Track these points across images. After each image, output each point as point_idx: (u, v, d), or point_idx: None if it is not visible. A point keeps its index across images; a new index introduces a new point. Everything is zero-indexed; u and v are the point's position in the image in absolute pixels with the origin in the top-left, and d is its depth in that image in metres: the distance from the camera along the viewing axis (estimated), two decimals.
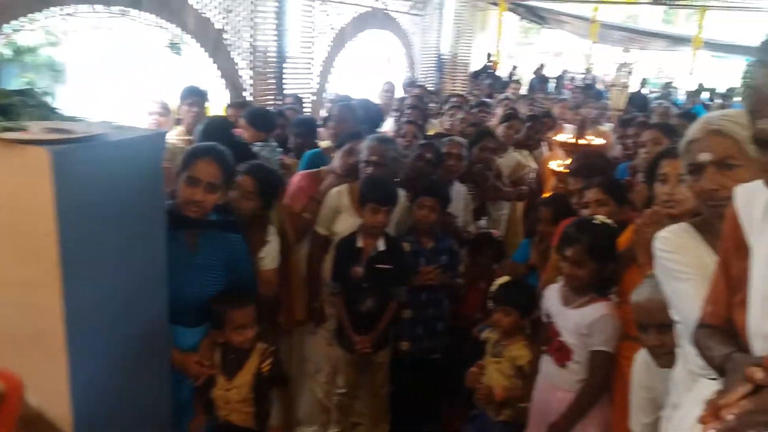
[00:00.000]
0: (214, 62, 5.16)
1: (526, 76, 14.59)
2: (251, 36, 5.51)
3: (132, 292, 1.94)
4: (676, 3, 8.23)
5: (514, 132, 5.05)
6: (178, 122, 4.16)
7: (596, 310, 2.23)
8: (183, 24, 4.77)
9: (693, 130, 1.59)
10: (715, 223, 1.49)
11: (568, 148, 5.05)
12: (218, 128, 3.24)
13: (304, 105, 5.55)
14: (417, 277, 3.09)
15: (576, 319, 2.28)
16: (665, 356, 1.78)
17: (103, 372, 1.83)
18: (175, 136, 3.87)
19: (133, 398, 2.00)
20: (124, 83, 7.03)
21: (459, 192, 3.76)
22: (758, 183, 1.15)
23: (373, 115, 5.01)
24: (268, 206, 2.73)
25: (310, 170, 3.51)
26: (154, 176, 1.99)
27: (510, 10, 9.59)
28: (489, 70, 10.93)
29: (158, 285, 2.10)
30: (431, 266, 3.12)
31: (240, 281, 2.40)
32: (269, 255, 2.67)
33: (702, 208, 1.60)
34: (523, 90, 10.63)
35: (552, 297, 2.45)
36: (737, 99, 10.66)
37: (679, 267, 1.54)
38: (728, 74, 14.72)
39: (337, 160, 3.36)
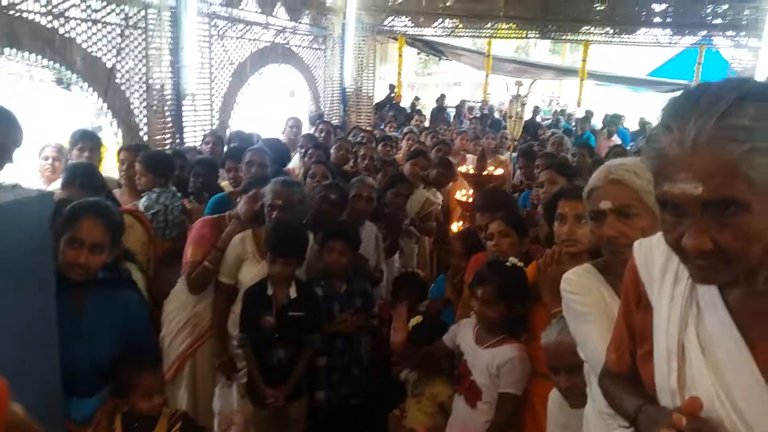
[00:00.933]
0: (105, 101, 4.88)
1: (428, 104, 15.06)
2: (145, 74, 5.27)
3: (20, 361, 1.77)
4: (562, 38, 8.78)
5: (420, 169, 5.13)
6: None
7: (506, 352, 2.26)
8: (70, 64, 4.48)
9: (595, 179, 1.66)
10: (617, 266, 1.55)
11: (471, 179, 5.21)
12: (84, 175, 3.08)
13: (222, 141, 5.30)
14: (331, 324, 3.02)
15: (486, 360, 2.30)
16: (577, 397, 1.80)
17: None
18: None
19: None
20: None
21: (369, 232, 3.73)
22: (657, 237, 1.18)
23: (281, 155, 4.93)
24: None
25: (212, 216, 3.35)
26: (40, 239, 1.88)
27: (408, 44, 9.86)
28: (392, 102, 11.17)
29: (49, 353, 1.94)
30: (346, 313, 3.06)
31: (138, 343, 2.22)
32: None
33: (604, 252, 1.66)
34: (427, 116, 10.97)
35: (465, 334, 2.46)
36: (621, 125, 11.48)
37: (583, 308, 1.60)
38: (611, 100, 15.94)
39: (241, 206, 3.24)
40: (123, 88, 5.11)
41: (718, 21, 7.91)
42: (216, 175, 4.19)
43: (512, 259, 2.42)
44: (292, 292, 2.86)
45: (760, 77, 7.77)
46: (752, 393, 0.96)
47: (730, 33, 7.92)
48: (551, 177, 3.41)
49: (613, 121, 11.56)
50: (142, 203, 3.45)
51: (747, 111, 0.86)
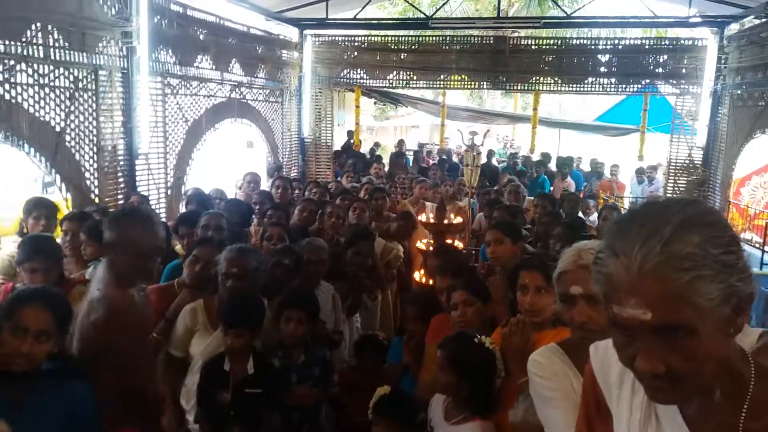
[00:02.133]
0: (53, 166, 4.75)
1: (389, 146, 15.23)
2: (96, 135, 5.17)
3: None
4: (513, 88, 9.06)
5: (360, 212, 5.14)
6: (22, 234, 3.74)
7: (471, 430, 2.21)
8: (15, 129, 4.35)
9: (565, 262, 1.68)
10: (585, 348, 1.55)
11: (431, 228, 5.24)
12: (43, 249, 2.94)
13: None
14: (289, 398, 2.92)
15: None
16: None
17: None
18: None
19: None
20: None
21: (326, 292, 3.67)
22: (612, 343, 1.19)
23: (245, 217, 4.86)
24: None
25: (161, 284, 3.24)
26: None
27: (364, 94, 10.00)
28: (351, 149, 11.23)
29: None
30: (304, 384, 2.98)
31: None
32: None
33: (573, 334, 1.67)
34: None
35: (436, 408, 2.43)
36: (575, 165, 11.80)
37: (550, 393, 1.60)
38: (564, 142, 16.45)
39: (185, 271, 3.15)
40: (73, 150, 4.99)
41: (660, 70, 8.29)
42: (169, 240, 4.09)
43: (483, 339, 2.39)
44: (250, 367, 2.77)
45: (702, 121, 8.14)
46: None
47: (672, 81, 8.30)
48: (497, 237, 3.45)
49: (566, 163, 11.90)
50: (89, 273, 3.31)
51: (691, 238, 0.88)
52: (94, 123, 5.17)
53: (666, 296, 0.87)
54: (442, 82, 8.90)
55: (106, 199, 5.31)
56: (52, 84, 4.73)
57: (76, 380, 2.15)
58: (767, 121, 6.50)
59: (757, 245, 10.17)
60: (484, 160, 10.79)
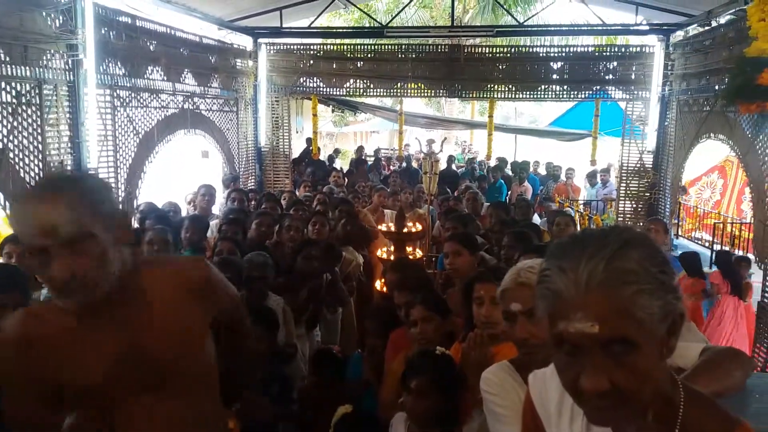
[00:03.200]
0: None
1: (349, 152, 15.19)
2: (41, 151, 4.98)
3: None
4: (469, 96, 9.16)
5: (320, 227, 5.10)
6: None
7: None
8: None
9: (506, 280, 1.74)
10: (532, 364, 1.57)
11: (391, 237, 5.24)
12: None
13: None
14: (245, 412, 2.85)
15: None
16: None
17: None
18: None
19: None
20: None
21: (275, 306, 3.62)
22: (551, 371, 1.20)
23: (202, 228, 4.77)
24: None
25: None
26: None
27: (321, 102, 9.95)
28: (310, 157, 11.15)
29: None
30: (259, 399, 2.91)
31: None
32: None
33: (518, 352, 1.69)
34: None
35: (398, 427, 2.40)
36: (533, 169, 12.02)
37: (500, 410, 1.63)
38: (520, 148, 16.75)
39: None
40: (17, 167, 4.80)
41: (610, 76, 8.50)
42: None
43: (440, 349, 2.40)
44: None
45: (651, 125, 8.39)
46: None
47: (622, 87, 8.53)
48: (455, 249, 3.48)
49: (523, 168, 12.12)
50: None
51: (632, 255, 0.94)
52: (39, 138, 4.98)
53: (611, 309, 0.92)
54: (398, 90, 8.93)
55: None
56: None
57: None
58: (712, 125, 6.72)
59: (707, 244, 10.56)
60: (443, 166, 10.92)
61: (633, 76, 8.39)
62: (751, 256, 6.93)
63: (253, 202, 6.54)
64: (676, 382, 1.05)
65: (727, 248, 9.36)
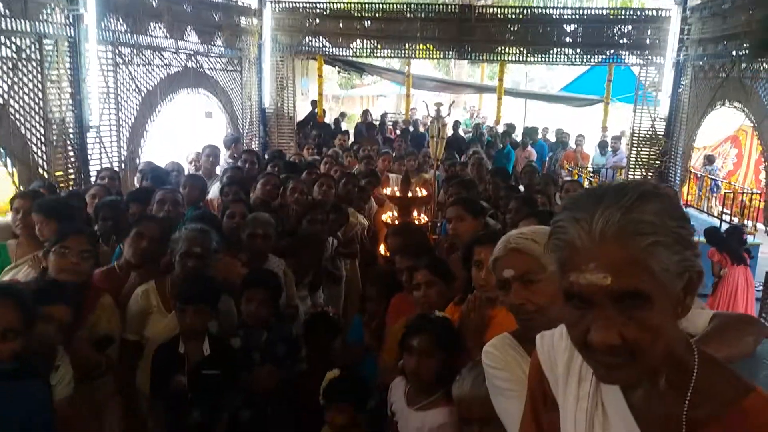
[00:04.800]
0: None
1: (355, 116, 14.99)
2: (42, 108, 4.90)
3: None
4: (479, 59, 8.97)
5: (327, 189, 5.03)
6: None
7: (437, 417, 2.16)
8: None
9: (497, 248, 1.68)
10: (532, 333, 1.52)
11: (396, 201, 5.17)
12: None
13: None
14: (251, 381, 2.85)
15: (417, 423, 2.20)
16: None
17: None
18: None
19: None
20: None
21: (275, 268, 3.56)
22: (558, 333, 1.17)
23: (201, 186, 4.71)
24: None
25: (101, 269, 3.08)
26: None
27: (327, 63, 9.77)
28: (315, 120, 11.00)
29: None
30: (267, 364, 2.91)
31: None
32: (61, 381, 2.26)
33: (516, 321, 1.64)
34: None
35: (397, 393, 2.37)
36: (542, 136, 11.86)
37: (504, 384, 1.57)
38: (529, 114, 16.53)
39: (127, 249, 3.03)
40: (18, 123, 4.73)
41: (624, 41, 8.29)
42: (124, 215, 3.92)
43: (438, 313, 2.36)
44: (206, 349, 2.69)
45: (665, 92, 8.21)
46: None
47: (636, 51, 8.32)
48: (459, 213, 3.40)
49: (527, 133, 11.93)
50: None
51: (650, 207, 0.90)
52: (40, 95, 4.90)
53: (626, 261, 0.88)
54: (406, 51, 8.74)
55: (56, 174, 5.07)
56: None
57: (33, 380, 2.07)
58: (728, 92, 6.56)
59: (717, 214, 10.46)
60: (450, 131, 10.76)
61: (648, 41, 8.17)
62: (761, 225, 6.83)
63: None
64: (690, 345, 1.01)
65: (736, 220, 9.25)
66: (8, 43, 4.58)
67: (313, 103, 11.72)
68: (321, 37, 8.90)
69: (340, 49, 8.93)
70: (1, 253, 3.23)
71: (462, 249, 2.59)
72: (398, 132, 12.21)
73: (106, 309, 2.70)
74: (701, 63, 7.40)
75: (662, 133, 8.35)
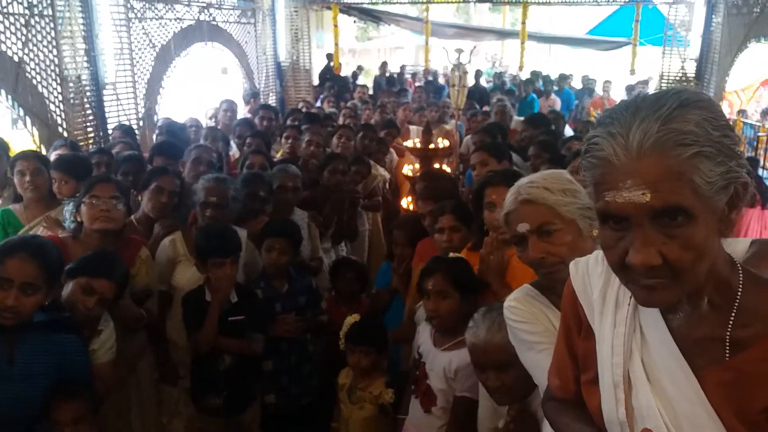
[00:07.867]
0: (15, 99, 4.48)
1: (372, 69, 14.69)
2: (57, 65, 4.86)
3: None
4: (500, 2, 8.64)
5: (346, 140, 4.94)
6: None
7: (464, 356, 2.12)
8: None
9: (507, 202, 1.59)
10: (555, 284, 1.49)
11: (417, 153, 5.09)
12: None
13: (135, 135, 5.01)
14: (274, 327, 2.88)
15: (444, 363, 2.20)
16: (504, 396, 1.74)
17: None
18: None
19: None
20: None
21: (300, 220, 3.55)
22: (593, 258, 1.11)
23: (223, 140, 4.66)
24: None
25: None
26: None
27: (343, 12, 9.52)
28: (331, 73, 10.79)
29: None
30: (288, 314, 2.94)
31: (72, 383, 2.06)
32: (103, 346, 2.27)
33: (537, 275, 1.57)
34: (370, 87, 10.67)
35: (424, 337, 2.37)
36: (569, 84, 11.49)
37: (532, 338, 1.51)
38: (554, 61, 16.03)
39: (146, 203, 3.02)
40: (34, 82, 4.70)
41: None
42: (144, 171, 3.89)
43: (453, 254, 2.33)
44: (233, 296, 2.72)
45: (695, 31, 7.86)
46: (701, 423, 0.92)
47: None
48: (483, 159, 3.33)
49: (548, 80, 11.57)
50: (68, 211, 3.08)
51: (690, 116, 0.84)
52: (55, 52, 4.85)
53: (666, 174, 0.83)
54: None
55: (75, 132, 5.07)
56: (5, 10, 4.39)
57: (66, 332, 2.08)
58: (762, 28, 6.25)
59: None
60: (471, 80, 10.48)
61: None
62: None
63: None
64: (734, 264, 0.95)
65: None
66: None
67: (329, 57, 11.48)
68: None
69: None
70: (9, 218, 3.17)
71: (473, 191, 2.52)
72: (417, 84, 11.96)
73: (145, 262, 2.70)
74: None
75: (692, 76, 8.04)
